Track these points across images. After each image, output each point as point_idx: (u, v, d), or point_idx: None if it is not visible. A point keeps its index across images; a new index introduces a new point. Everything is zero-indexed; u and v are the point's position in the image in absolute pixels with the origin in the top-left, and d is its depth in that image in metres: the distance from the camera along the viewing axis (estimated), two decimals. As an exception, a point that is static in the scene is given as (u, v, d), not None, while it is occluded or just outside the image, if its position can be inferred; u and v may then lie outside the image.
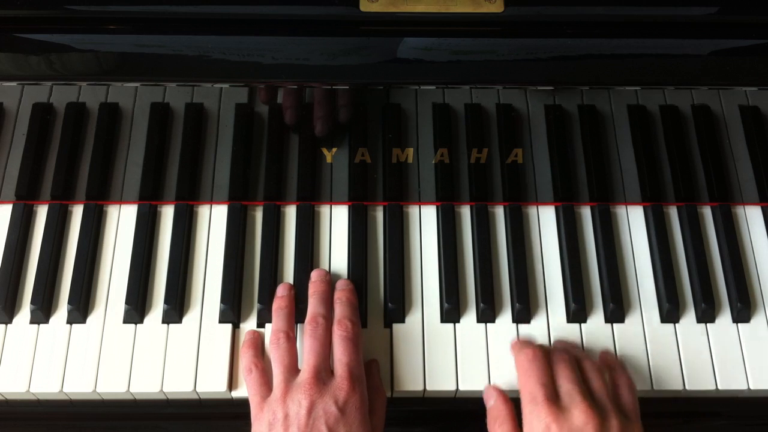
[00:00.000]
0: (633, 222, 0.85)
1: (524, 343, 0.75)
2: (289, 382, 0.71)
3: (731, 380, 0.77)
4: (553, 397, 0.68)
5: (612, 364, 0.75)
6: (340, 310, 0.76)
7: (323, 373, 0.71)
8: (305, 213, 0.84)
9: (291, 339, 0.74)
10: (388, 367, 0.77)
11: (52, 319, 0.79)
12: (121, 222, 0.84)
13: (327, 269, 0.81)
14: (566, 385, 0.69)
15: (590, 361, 0.73)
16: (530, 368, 0.71)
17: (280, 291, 0.79)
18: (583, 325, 0.80)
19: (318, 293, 0.77)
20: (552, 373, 0.71)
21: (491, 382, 0.76)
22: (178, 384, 0.76)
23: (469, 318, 0.80)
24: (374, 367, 0.76)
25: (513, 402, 0.73)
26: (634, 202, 0.85)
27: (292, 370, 0.72)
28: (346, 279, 0.81)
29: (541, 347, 0.73)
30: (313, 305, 0.76)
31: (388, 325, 0.79)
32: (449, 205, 0.84)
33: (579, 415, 0.66)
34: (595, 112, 0.79)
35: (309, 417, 0.68)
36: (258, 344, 0.77)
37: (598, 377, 0.72)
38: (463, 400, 0.78)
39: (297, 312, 0.78)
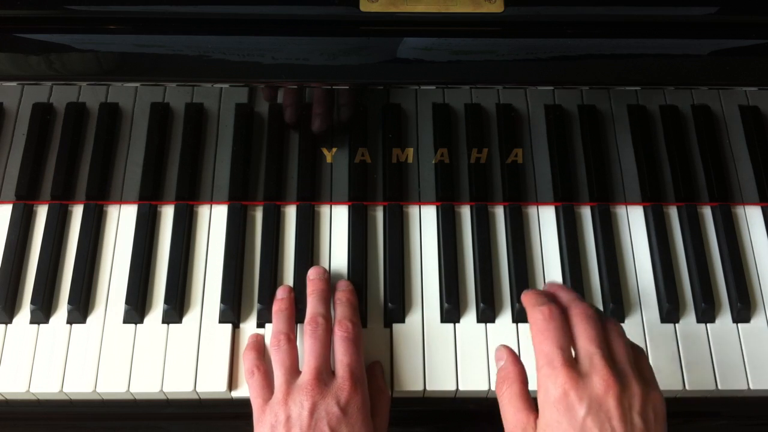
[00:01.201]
0: (633, 222, 0.85)
1: (538, 299, 0.68)
2: (291, 384, 0.71)
3: (731, 380, 0.77)
4: (571, 362, 0.63)
5: (622, 331, 0.70)
6: (340, 310, 0.76)
7: (324, 374, 0.71)
8: (305, 213, 0.84)
9: (291, 341, 0.74)
10: (388, 368, 0.77)
11: (52, 319, 0.79)
12: (121, 222, 0.84)
13: (327, 269, 0.81)
14: (587, 347, 0.64)
15: (612, 322, 0.68)
16: (547, 328, 0.65)
17: (280, 293, 0.79)
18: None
19: (317, 292, 0.77)
20: (569, 334, 0.65)
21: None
22: (178, 384, 0.76)
23: (469, 318, 0.80)
24: (377, 369, 0.76)
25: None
26: (634, 202, 0.85)
27: (293, 371, 0.72)
28: (345, 280, 0.80)
29: (557, 305, 0.67)
30: (313, 305, 0.76)
31: (388, 325, 0.79)
32: (449, 205, 0.84)
33: (599, 382, 0.62)
34: (595, 112, 0.79)
35: (311, 418, 0.68)
36: (260, 347, 0.77)
37: (621, 340, 0.66)
38: (463, 400, 0.78)
39: (297, 313, 0.78)
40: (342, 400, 0.69)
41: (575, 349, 0.65)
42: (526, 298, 0.70)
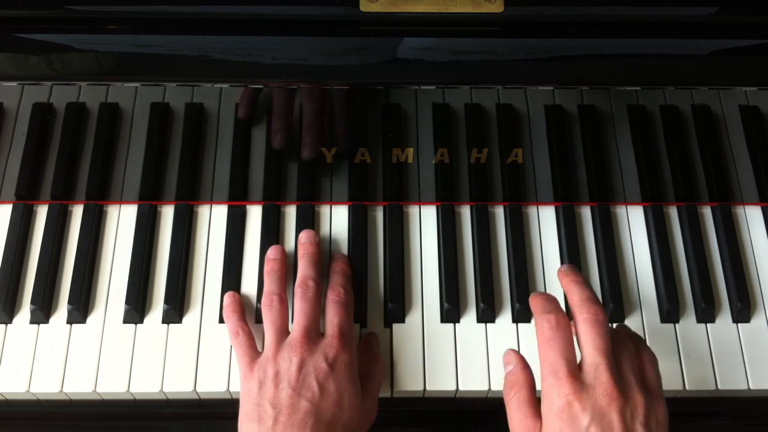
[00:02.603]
0: (633, 222, 0.85)
1: (546, 305, 0.69)
2: (280, 343, 0.72)
3: (731, 380, 0.77)
4: (576, 372, 0.64)
5: (633, 337, 0.71)
6: (334, 278, 0.77)
7: (313, 332, 0.72)
8: (305, 213, 0.84)
9: (284, 302, 0.75)
10: (388, 368, 0.77)
11: (52, 319, 0.79)
12: (121, 222, 0.84)
13: (326, 268, 0.81)
14: (593, 356, 0.64)
15: (618, 328, 0.69)
16: (553, 338, 0.66)
17: (272, 254, 0.79)
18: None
19: (308, 255, 0.77)
20: (573, 345, 0.66)
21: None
22: (178, 384, 0.76)
23: (469, 318, 0.80)
24: (373, 338, 0.77)
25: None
26: (634, 202, 0.85)
27: (284, 331, 0.73)
28: (341, 252, 0.81)
29: (563, 314, 0.67)
30: (303, 267, 0.76)
31: (388, 325, 0.79)
32: (449, 205, 0.84)
33: (603, 393, 0.63)
34: (595, 112, 0.79)
35: (299, 373, 0.69)
36: (241, 308, 0.77)
37: (628, 348, 0.67)
38: (463, 400, 0.78)
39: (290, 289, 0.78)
40: (330, 357, 0.70)
41: (581, 355, 0.66)
42: (534, 303, 0.70)
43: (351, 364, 0.71)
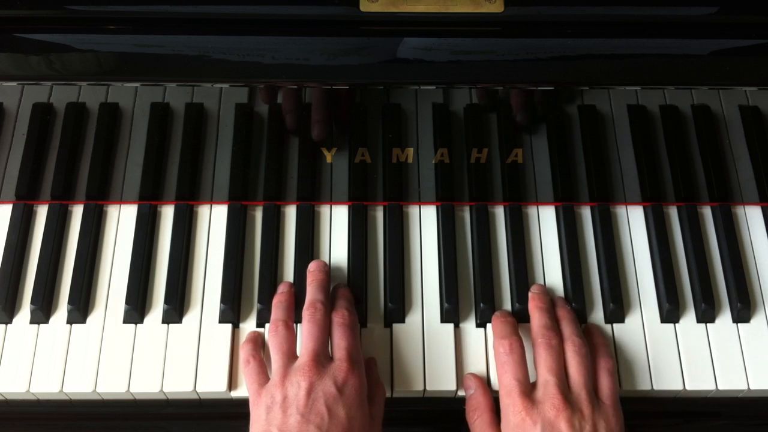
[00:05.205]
0: (633, 222, 0.85)
1: (503, 329, 0.75)
2: (288, 368, 0.71)
3: (731, 380, 0.77)
4: (527, 391, 0.71)
5: (596, 343, 0.76)
6: (337, 303, 0.77)
7: (322, 356, 0.71)
8: (305, 213, 0.84)
9: (290, 327, 0.75)
10: (388, 367, 0.77)
11: (52, 319, 0.79)
12: (121, 222, 0.84)
13: (327, 263, 0.81)
14: (544, 375, 0.71)
15: (574, 342, 0.74)
16: (507, 362, 0.73)
17: (281, 288, 0.79)
18: (582, 324, 0.80)
19: (316, 281, 0.78)
20: (525, 367, 0.73)
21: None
22: (178, 384, 0.76)
23: (469, 318, 0.80)
24: (373, 363, 0.77)
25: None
26: (634, 202, 0.85)
27: (291, 356, 0.72)
28: (342, 284, 0.81)
29: (517, 338, 0.74)
30: (312, 292, 0.76)
31: (388, 325, 0.79)
32: (449, 205, 0.84)
33: (550, 407, 0.69)
34: (595, 112, 0.79)
35: (308, 398, 0.68)
36: (258, 341, 0.77)
37: (578, 363, 0.72)
38: (463, 400, 0.78)
39: (297, 310, 0.78)
40: (339, 381, 0.69)
41: (536, 374, 0.73)
42: (494, 325, 0.77)
43: (360, 389, 0.70)
